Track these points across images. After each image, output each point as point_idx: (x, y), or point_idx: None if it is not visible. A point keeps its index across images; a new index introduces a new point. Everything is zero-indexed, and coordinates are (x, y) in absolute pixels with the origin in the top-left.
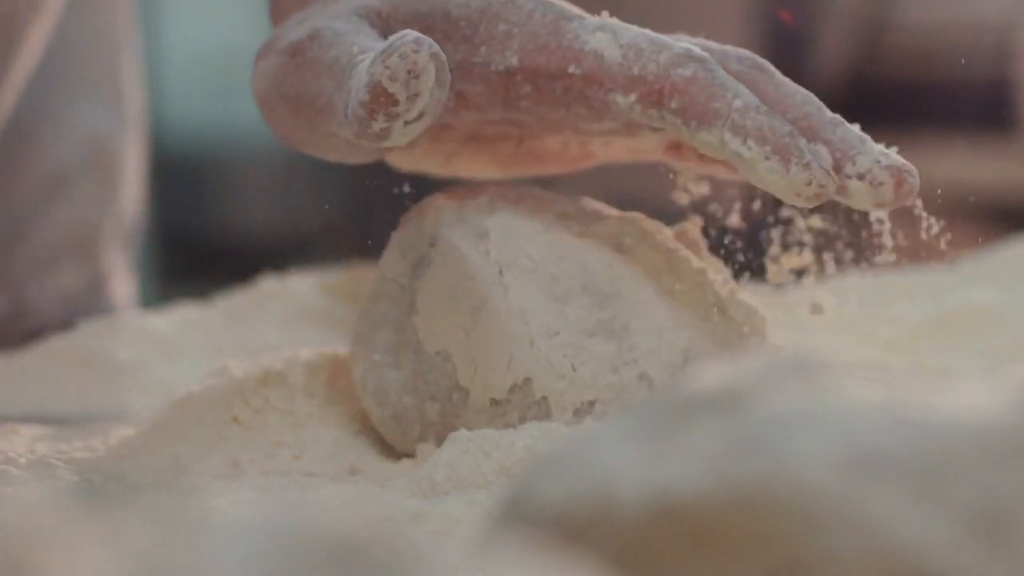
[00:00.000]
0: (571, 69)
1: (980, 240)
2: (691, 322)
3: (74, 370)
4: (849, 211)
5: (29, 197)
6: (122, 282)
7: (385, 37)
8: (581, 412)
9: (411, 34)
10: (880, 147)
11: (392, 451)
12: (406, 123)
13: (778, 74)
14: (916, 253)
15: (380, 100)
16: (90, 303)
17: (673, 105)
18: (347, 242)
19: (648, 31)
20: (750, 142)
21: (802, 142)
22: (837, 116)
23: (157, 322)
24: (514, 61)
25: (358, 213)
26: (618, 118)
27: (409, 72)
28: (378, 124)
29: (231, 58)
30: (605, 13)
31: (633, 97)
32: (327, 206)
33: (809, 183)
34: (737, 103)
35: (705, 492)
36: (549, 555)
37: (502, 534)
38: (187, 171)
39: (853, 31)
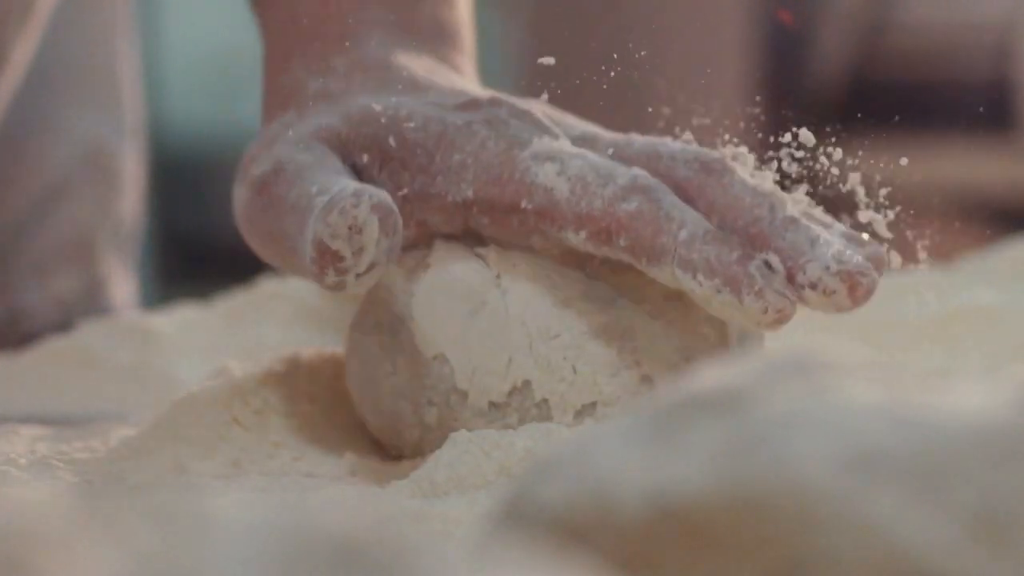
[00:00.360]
0: (523, 204)
1: (981, 240)
2: (692, 325)
3: (74, 371)
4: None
5: (25, 204)
6: (121, 286)
7: (345, 161)
8: (582, 414)
9: (350, 187)
10: (838, 242)
11: (392, 452)
12: (357, 276)
13: (729, 172)
14: (916, 253)
15: (326, 257)
16: (87, 307)
17: (622, 243)
18: None
19: (594, 157)
20: (700, 276)
21: (753, 266)
22: (790, 215)
23: (157, 323)
24: (469, 193)
25: None
26: (575, 247)
27: (351, 228)
28: (329, 279)
29: (231, 59)
30: (544, 96)
31: (583, 234)
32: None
33: (765, 311)
34: (683, 235)
35: (705, 492)
36: (549, 556)
37: (502, 535)
38: (187, 172)
39: (854, 32)
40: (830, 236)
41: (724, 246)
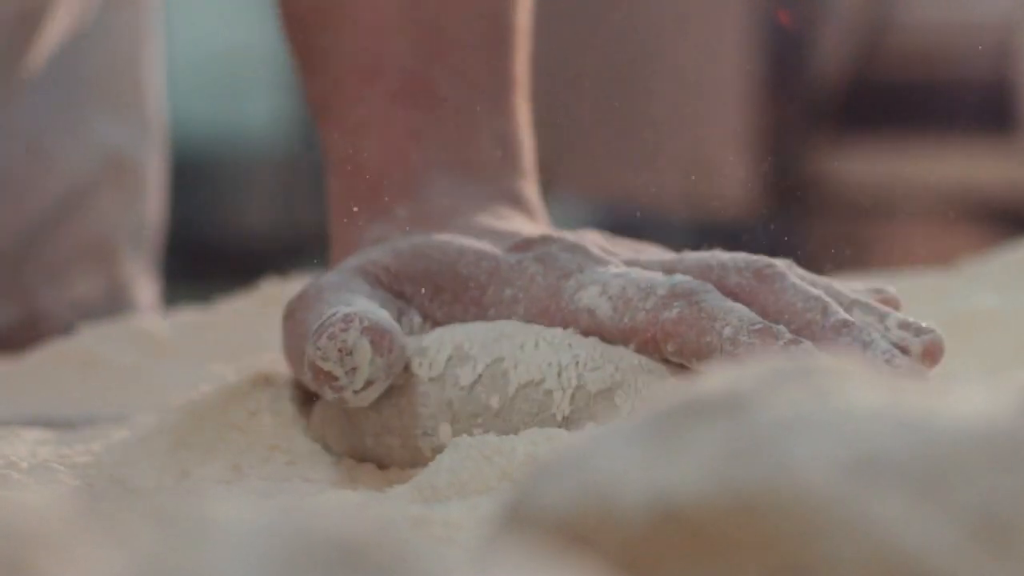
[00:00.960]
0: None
1: (981, 242)
2: None
3: (76, 374)
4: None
5: (46, 207)
6: (145, 289)
7: (395, 293)
8: (585, 406)
9: (340, 311)
10: (894, 334)
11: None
12: (355, 392)
13: (781, 277)
14: (917, 256)
15: (320, 377)
16: (109, 310)
17: (670, 348)
18: None
19: (636, 274)
20: None
21: (799, 349)
22: (842, 318)
23: (159, 325)
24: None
25: None
26: None
27: (340, 351)
28: (328, 396)
29: (235, 60)
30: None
31: (632, 347)
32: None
33: None
34: (727, 331)
35: (707, 496)
36: (551, 560)
37: (504, 539)
38: (189, 173)
39: (854, 32)
40: (885, 329)
41: (769, 336)
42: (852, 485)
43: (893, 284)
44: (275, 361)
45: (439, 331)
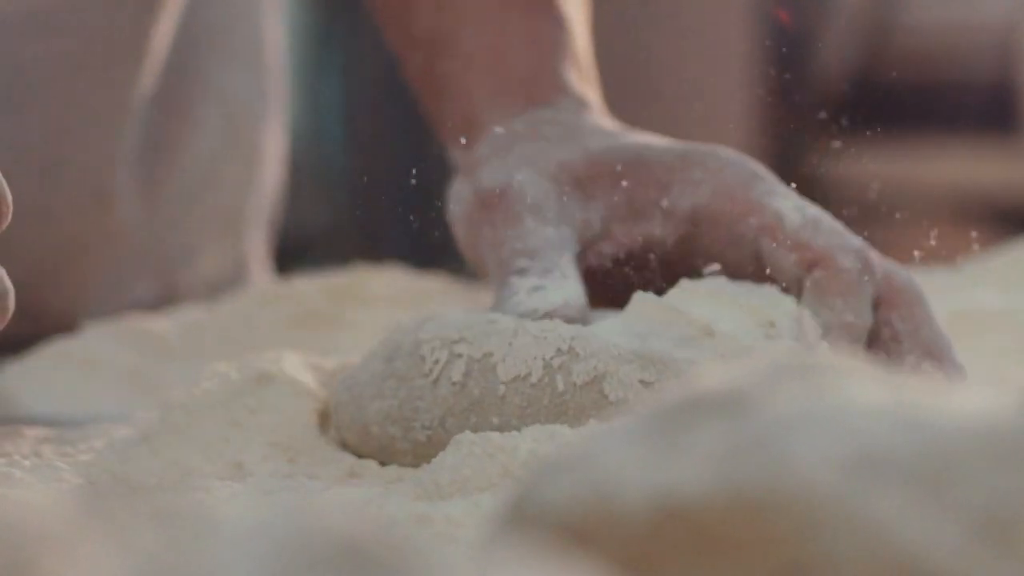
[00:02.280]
0: (751, 219)
1: (983, 242)
2: None
3: (78, 373)
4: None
5: (179, 183)
6: (261, 265)
7: (584, 195)
8: (572, 398)
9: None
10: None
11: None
12: None
13: (924, 306)
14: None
15: None
16: (234, 286)
17: (817, 275)
18: (351, 244)
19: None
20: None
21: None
22: (960, 364)
23: (160, 325)
24: (702, 200)
25: (362, 215)
26: (756, 262)
27: None
28: None
29: None
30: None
31: (794, 257)
32: (331, 208)
33: None
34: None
35: (709, 494)
36: (553, 558)
37: (506, 537)
38: None
39: (858, 33)
40: None
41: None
42: (853, 483)
43: None
44: (276, 359)
45: (433, 323)
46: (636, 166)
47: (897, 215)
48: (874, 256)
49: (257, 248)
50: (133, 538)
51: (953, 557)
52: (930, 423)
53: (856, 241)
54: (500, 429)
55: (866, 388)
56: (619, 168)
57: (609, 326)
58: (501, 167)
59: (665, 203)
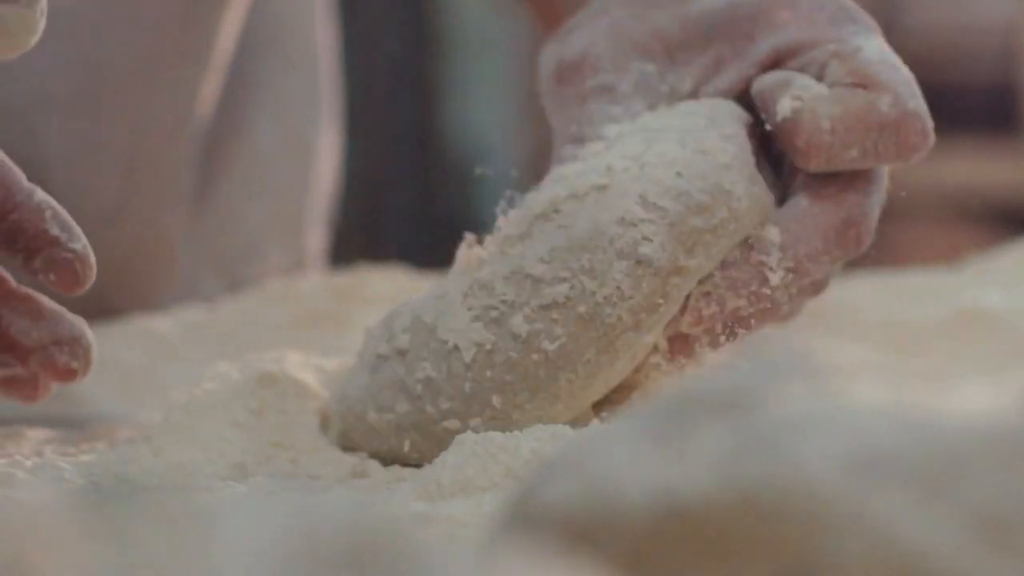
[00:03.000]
0: (830, 46)
1: (986, 242)
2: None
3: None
4: None
5: (239, 183)
6: (317, 263)
7: (674, 60)
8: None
9: None
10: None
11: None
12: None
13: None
14: (923, 255)
15: None
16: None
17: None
18: (354, 244)
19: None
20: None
21: None
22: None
23: (162, 325)
24: (782, 40)
25: (365, 216)
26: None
27: None
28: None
29: None
30: None
31: (848, 77)
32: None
33: None
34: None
35: (711, 494)
36: (555, 557)
37: (508, 537)
38: None
39: None
40: None
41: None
42: (856, 483)
43: (900, 282)
44: (278, 359)
45: (394, 309)
46: (726, 24)
47: (900, 215)
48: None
49: (315, 245)
50: (135, 539)
51: (955, 557)
52: (933, 424)
53: (922, 104)
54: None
55: (869, 388)
56: (710, 29)
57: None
58: (588, 34)
59: (748, 53)
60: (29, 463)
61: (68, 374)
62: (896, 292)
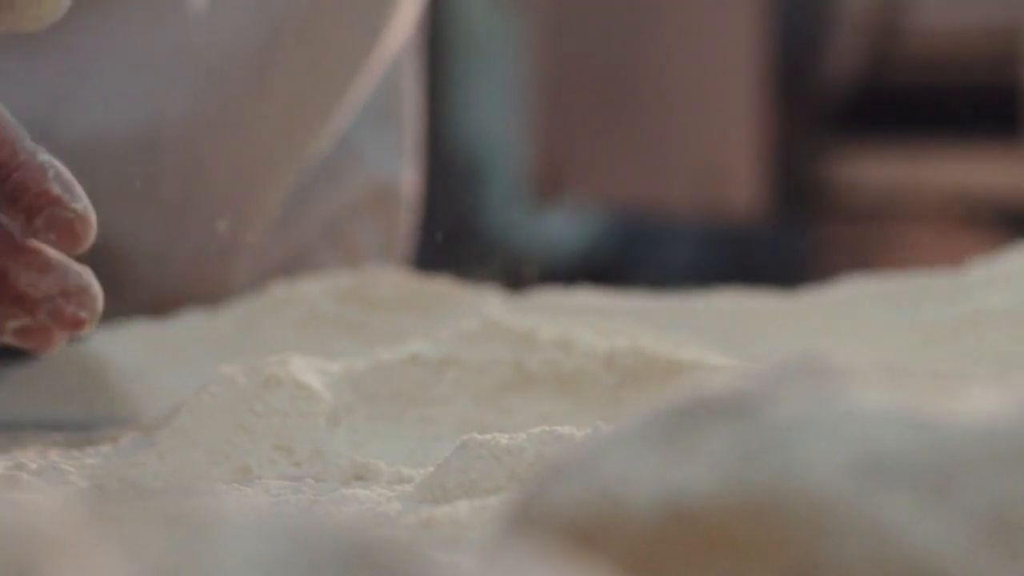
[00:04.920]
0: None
1: (990, 243)
2: None
3: (84, 377)
4: None
5: (315, 228)
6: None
7: None
8: None
9: None
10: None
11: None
12: None
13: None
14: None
15: None
16: None
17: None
18: None
19: None
20: None
21: None
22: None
23: (166, 329)
24: None
25: None
26: None
27: None
28: None
29: None
30: None
31: None
32: None
33: None
34: None
35: (716, 497)
36: (560, 560)
37: (513, 540)
38: None
39: (864, 38)
40: None
41: None
42: (861, 486)
43: (904, 285)
44: (283, 362)
45: None
46: None
47: (903, 218)
48: None
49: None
50: (140, 542)
51: (961, 559)
52: (938, 426)
53: None
54: None
55: (873, 391)
56: None
57: None
58: None
59: None
60: (34, 465)
61: (76, 324)
62: (899, 295)
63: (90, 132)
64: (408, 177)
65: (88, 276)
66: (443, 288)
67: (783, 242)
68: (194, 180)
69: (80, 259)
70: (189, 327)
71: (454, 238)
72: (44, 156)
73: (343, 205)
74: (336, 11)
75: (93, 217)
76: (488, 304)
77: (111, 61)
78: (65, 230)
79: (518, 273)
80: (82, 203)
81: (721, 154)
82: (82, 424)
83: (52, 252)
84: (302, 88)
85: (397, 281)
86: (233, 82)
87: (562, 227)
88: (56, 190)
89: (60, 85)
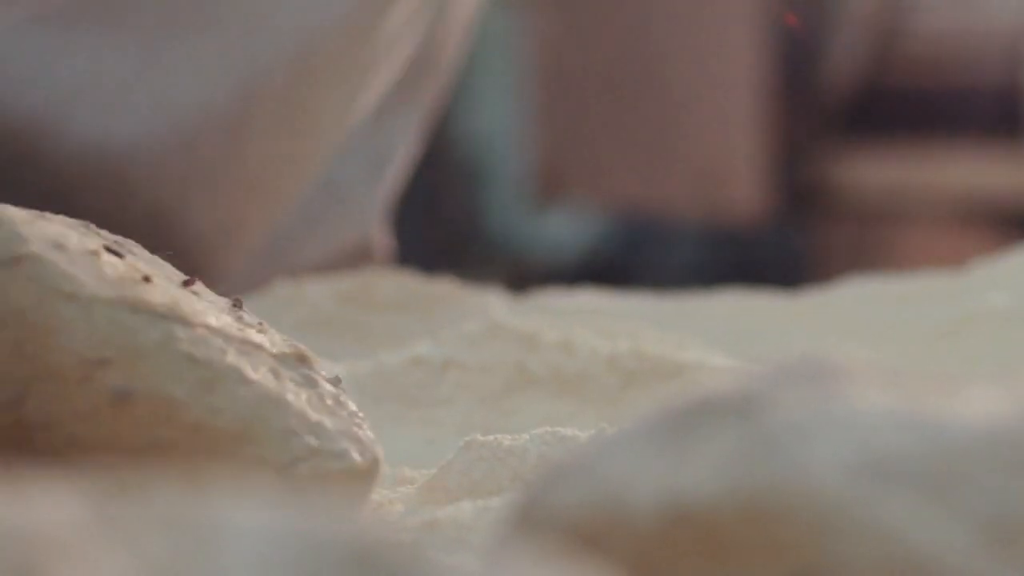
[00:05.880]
0: None
1: (992, 244)
2: None
3: None
4: None
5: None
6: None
7: None
8: None
9: None
10: None
11: (396, 456)
12: None
13: None
14: (928, 259)
15: None
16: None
17: None
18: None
19: None
20: None
21: None
22: None
23: None
24: None
25: None
26: None
27: None
28: None
29: None
30: None
31: None
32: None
33: None
34: None
35: (719, 498)
36: (562, 562)
37: (515, 541)
38: None
39: (865, 39)
40: None
41: None
42: (864, 487)
43: (906, 286)
44: None
45: None
46: None
47: (905, 219)
48: None
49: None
50: (140, 544)
51: (964, 560)
52: (941, 426)
53: None
54: None
55: (875, 392)
56: None
57: None
58: None
59: None
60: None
61: None
62: (901, 295)
63: (72, 156)
64: (381, 239)
65: None
66: (445, 289)
67: (785, 243)
68: (160, 233)
69: None
70: None
71: (456, 239)
72: None
73: (323, 254)
74: (314, 77)
75: None
76: (490, 305)
77: (91, 98)
78: None
79: (520, 274)
80: None
81: (723, 155)
82: None
83: None
84: (276, 152)
85: (399, 282)
86: (206, 143)
87: (565, 228)
88: None
89: (43, 117)
